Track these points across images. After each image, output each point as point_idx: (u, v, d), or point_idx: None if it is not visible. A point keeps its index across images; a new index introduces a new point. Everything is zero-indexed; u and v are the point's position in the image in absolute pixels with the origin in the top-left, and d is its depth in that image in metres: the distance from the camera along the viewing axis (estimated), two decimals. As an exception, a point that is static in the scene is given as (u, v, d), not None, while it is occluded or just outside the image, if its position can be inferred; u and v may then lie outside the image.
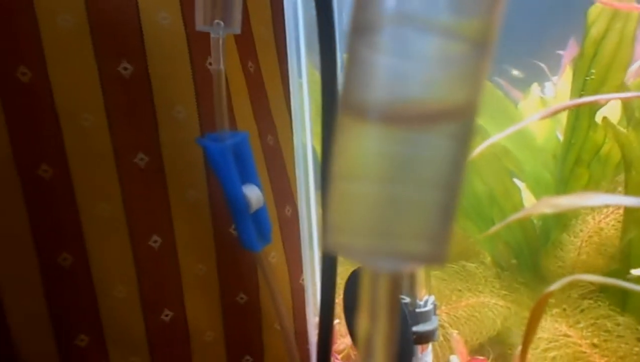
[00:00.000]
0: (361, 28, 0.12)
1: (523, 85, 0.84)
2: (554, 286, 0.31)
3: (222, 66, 0.36)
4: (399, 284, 0.12)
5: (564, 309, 0.46)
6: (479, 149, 0.40)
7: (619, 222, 0.49)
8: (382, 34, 0.12)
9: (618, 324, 0.43)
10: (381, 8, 0.11)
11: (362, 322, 0.12)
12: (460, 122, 0.11)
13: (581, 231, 0.50)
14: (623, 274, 0.41)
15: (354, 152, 0.12)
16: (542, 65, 0.85)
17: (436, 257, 0.11)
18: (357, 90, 0.12)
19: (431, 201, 0.11)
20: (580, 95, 0.48)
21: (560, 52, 0.83)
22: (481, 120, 0.66)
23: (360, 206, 0.11)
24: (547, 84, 0.86)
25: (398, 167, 0.11)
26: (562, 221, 0.55)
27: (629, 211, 0.45)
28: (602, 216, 0.49)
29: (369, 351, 0.11)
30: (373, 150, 0.11)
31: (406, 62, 0.12)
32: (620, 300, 0.40)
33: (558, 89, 0.75)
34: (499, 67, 0.87)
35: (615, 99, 0.46)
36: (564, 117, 0.55)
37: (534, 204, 0.32)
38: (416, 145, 0.11)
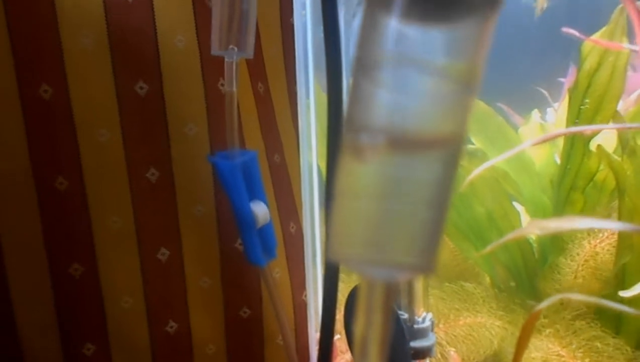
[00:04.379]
0: (365, 64, 0.14)
1: (525, 110, 0.86)
2: (543, 304, 0.32)
3: (234, 89, 0.38)
4: (393, 292, 0.13)
5: (557, 330, 0.47)
6: (477, 172, 0.42)
7: (613, 247, 0.50)
8: (383, 71, 0.14)
9: (609, 346, 0.44)
10: (383, 49, 0.13)
11: (359, 326, 0.13)
12: (449, 149, 0.13)
13: (577, 254, 0.52)
14: (617, 297, 0.42)
15: (355, 172, 0.13)
16: (544, 91, 0.87)
17: (425, 268, 0.13)
18: (360, 118, 0.14)
19: (421, 218, 0.13)
20: (575, 124, 0.50)
21: (561, 79, 0.85)
22: (482, 145, 0.68)
23: (358, 221, 0.13)
24: (549, 110, 0.88)
25: (393, 187, 0.13)
26: (559, 244, 0.56)
27: (622, 237, 0.47)
28: (598, 241, 0.50)
29: (364, 352, 0.13)
30: (371, 171, 0.13)
31: (403, 96, 0.13)
32: (615, 322, 0.41)
33: (558, 115, 0.77)
34: (502, 92, 0.89)
35: (600, 130, 0.48)
36: (561, 141, 0.57)
37: (524, 226, 0.33)
38: (409, 169, 0.13)
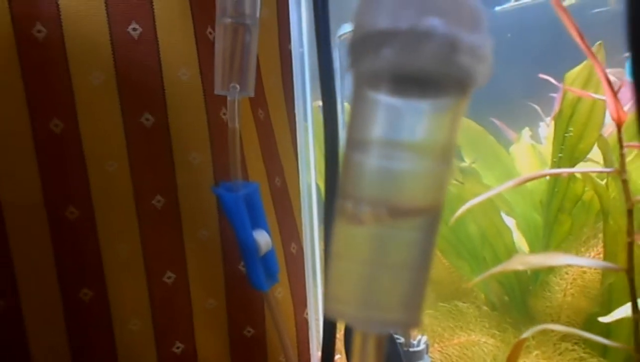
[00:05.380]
0: (355, 142, 0.16)
1: (518, 125, 0.88)
2: (526, 334, 0.34)
3: (237, 125, 0.40)
4: (383, 343, 0.15)
5: (544, 351, 0.49)
6: (473, 203, 0.44)
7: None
8: (371, 148, 0.16)
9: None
10: (371, 132, 0.15)
11: (354, 371, 0.15)
12: (428, 217, 0.15)
13: (566, 273, 0.54)
14: (604, 316, 0.43)
15: (346, 237, 0.15)
16: (536, 106, 0.89)
17: (410, 323, 0.15)
18: (350, 188, 0.16)
19: (404, 279, 0.15)
20: (561, 150, 0.52)
21: (553, 94, 0.87)
22: (474, 164, 0.70)
23: (349, 281, 0.15)
24: (541, 124, 0.90)
25: (379, 252, 0.15)
26: (548, 263, 0.58)
27: (608, 257, 0.49)
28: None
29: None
30: (360, 236, 0.15)
31: (388, 170, 0.15)
32: (601, 344, 0.42)
33: (550, 129, 0.79)
34: (495, 107, 0.91)
35: (575, 172, 0.50)
36: (551, 160, 0.59)
37: (508, 261, 0.35)
38: (394, 235, 0.15)
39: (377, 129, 0.16)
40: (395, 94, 0.16)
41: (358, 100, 0.17)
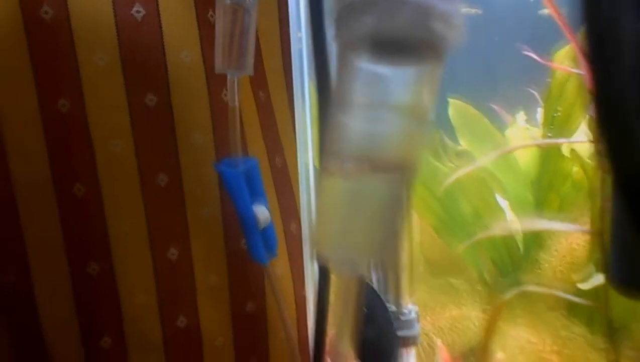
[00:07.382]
0: (340, 101, 0.18)
1: (517, 110, 0.89)
2: (509, 295, 0.35)
3: (237, 103, 0.42)
4: (360, 282, 0.17)
5: (530, 321, 0.50)
6: (462, 172, 0.45)
7: (588, 243, 0.53)
8: (355, 108, 0.17)
9: (575, 334, 0.47)
10: (353, 95, 0.17)
11: (337, 308, 0.17)
12: (403, 173, 0.16)
13: (556, 251, 0.55)
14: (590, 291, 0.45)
15: (328, 190, 0.17)
16: (534, 92, 0.90)
17: (381, 264, 0.16)
18: (334, 144, 0.17)
19: (377, 227, 0.16)
20: (550, 129, 0.53)
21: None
22: (469, 146, 0.71)
23: (330, 228, 0.16)
24: (539, 110, 0.91)
25: (355, 202, 0.16)
26: (539, 241, 0.59)
27: (594, 235, 0.50)
28: (574, 238, 0.54)
29: (340, 330, 0.16)
30: (338, 189, 0.17)
31: (370, 129, 0.17)
32: (586, 315, 0.44)
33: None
34: (495, 93, 0.92)
35: (560, 143, 0.51)
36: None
37: (491, 228, 0.36)
38: (367, 186, 0.16)
39: (358, 91, 0.17)
40: (375, 59, 0.17)
41: (342, 66, 0.18)
